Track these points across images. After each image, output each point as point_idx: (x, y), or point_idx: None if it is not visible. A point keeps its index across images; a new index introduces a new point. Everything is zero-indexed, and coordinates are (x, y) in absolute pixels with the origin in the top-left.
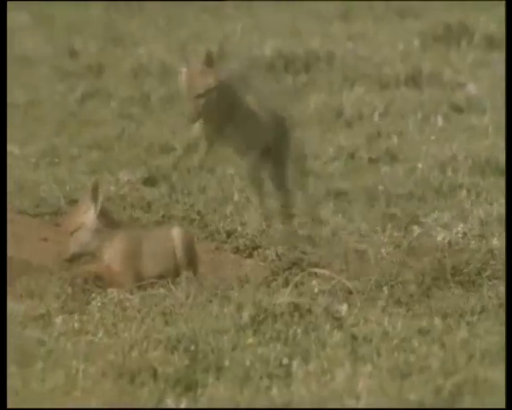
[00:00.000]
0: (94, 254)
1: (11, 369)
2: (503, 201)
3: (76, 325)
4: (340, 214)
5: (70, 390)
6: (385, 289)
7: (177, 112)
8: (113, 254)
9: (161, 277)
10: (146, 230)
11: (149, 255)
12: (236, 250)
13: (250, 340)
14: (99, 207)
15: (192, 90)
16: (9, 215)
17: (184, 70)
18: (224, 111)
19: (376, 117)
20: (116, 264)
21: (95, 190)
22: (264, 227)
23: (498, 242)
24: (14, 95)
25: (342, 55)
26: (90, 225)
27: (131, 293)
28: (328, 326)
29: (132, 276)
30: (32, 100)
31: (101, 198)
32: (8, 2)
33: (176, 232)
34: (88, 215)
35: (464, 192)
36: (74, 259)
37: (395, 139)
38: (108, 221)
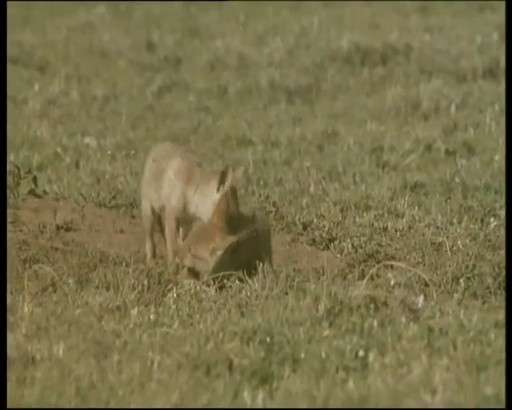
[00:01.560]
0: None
1: (88, 361)
2: None
3: (152, 316)
4: (417, 207)
5: (146, 382)
6: (461, 281)
7: (253, 105)
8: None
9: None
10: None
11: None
12: (312, 242)
13: (326, 332)
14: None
15: None
16: (86, 207)
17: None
18: None
19: (453, 109)
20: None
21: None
22: (340, 219)
23: None
24: (92, 88)
25: (419, 48)
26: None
27: (207, 285)
28: (404, 319)
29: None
30: (109, 93)
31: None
32: None
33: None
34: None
35: None
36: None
37: (472, 131)
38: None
